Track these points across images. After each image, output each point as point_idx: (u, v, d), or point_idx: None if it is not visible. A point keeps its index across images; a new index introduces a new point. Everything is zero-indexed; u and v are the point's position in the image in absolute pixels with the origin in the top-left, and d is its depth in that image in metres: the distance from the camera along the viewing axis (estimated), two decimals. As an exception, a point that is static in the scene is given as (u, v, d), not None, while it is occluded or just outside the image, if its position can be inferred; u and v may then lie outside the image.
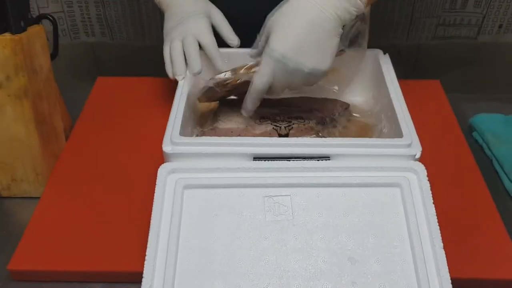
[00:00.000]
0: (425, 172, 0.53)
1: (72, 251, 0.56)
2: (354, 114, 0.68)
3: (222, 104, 0.68)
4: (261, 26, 0.62)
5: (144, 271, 0.47)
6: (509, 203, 0.65)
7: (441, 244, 0.48)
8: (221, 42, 0.71)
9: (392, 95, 0.62)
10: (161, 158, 0.55)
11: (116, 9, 1.25)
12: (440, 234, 0.49)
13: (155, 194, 0.51)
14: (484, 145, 0.73)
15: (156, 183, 0.52)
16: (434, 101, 0.78)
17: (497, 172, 0.69)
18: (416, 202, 0.51)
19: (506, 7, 1.34)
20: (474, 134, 0.76)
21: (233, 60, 0.68)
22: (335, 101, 0.69)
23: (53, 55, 0.67)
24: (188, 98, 0.61)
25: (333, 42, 0.58)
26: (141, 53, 1.29)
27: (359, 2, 0.58)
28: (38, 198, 0.63)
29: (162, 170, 0.53)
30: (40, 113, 0.63)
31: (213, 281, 0.47)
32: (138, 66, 1.24)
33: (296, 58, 0.56)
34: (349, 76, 0.70)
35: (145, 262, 0.48)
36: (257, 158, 0.54)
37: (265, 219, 0.51)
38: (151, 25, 1.28)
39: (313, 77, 0.59)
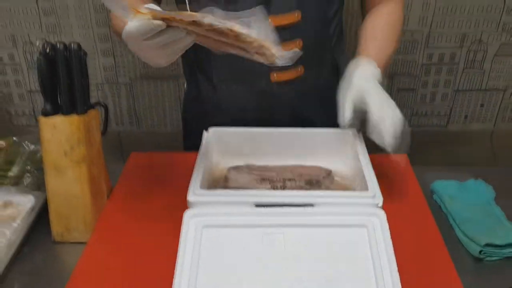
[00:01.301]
0: (385, 217, 0.67)
1: (115, 280, 0.69)
2: (335, 178, 0.84)
3: (231, 170, 0.83)
4: None
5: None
6: (460, 247, 0.78)
7: (396, 269, 0.61)
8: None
9: (362, 162, 0.78)
10: (186, 206, 0.69)
11: (144, 101, 1.46)
12: (395, 261, 0.62)
13: (181, 231, 0.65)
14: (442, 204, 0.87)
15: (182, 224, 0.66)
16: (401, 170, 0.94)
17: (451, 225, 0.83)
18: (378, 239, 0.65)
19: (468, 101, 1.54)
20: (434, 196, 0.90)
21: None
22: (320, 168, 0.85)
23: (103, 132, 0.84)
24: (205, 165, 0.77)
25: None
26: (163, 139, 1.48)
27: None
28: (85, 243, 0.77)
29: (187, 214, 0.67)
30: (92, 176, 0.79)
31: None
32: (160, 149, 1.43)
33: None
34: (332, 152, 0.87)
35: (174, 281, 0.61)
36: (258, 205, 0.68)
37: (263, 251, 0.64)
38: (173, 114, 1.48)
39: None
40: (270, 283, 0.61)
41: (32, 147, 0.96)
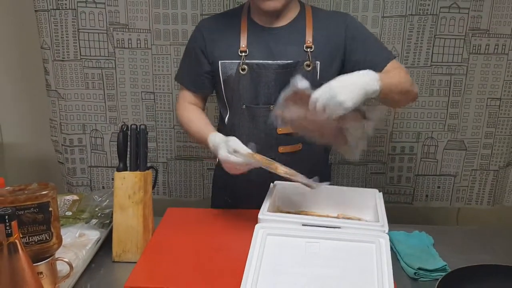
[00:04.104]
0: (388, 238, 0.89)
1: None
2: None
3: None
4: None
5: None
6: (403, 272, 0.99)
7: (391, 271, 0.82)
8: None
9: (378, 205, 1.02)
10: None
11: (175, 176, 1.73)
12: (391, 264, 0.83)
13: (252, 237, 0.88)
14: (393, 246, 1.09)
15: (254, 232, 0.90)
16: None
17: (397, 258, 1.04)
18: (382, 251, 0.86)
19: (427, 184, 1.77)
20: (388, 241, 1.12)
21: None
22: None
23: (153, 186, 1.10)
24: (270, 202, 1.02)
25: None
26: (188, 205, 1.72)
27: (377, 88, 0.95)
28: (135, 262, 0.99)
29: (257, 226, 0.92)
30: (145, 214, 1.04)
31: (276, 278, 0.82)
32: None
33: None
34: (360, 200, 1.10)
35: (248, 258, 0.83)
36: (304, 224, 0.92)
37: (305, 252, 0.87)
38: (197, 186, 1.74)
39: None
40: (308, 273, 0.83)
41: (99, 199, 1.22)
